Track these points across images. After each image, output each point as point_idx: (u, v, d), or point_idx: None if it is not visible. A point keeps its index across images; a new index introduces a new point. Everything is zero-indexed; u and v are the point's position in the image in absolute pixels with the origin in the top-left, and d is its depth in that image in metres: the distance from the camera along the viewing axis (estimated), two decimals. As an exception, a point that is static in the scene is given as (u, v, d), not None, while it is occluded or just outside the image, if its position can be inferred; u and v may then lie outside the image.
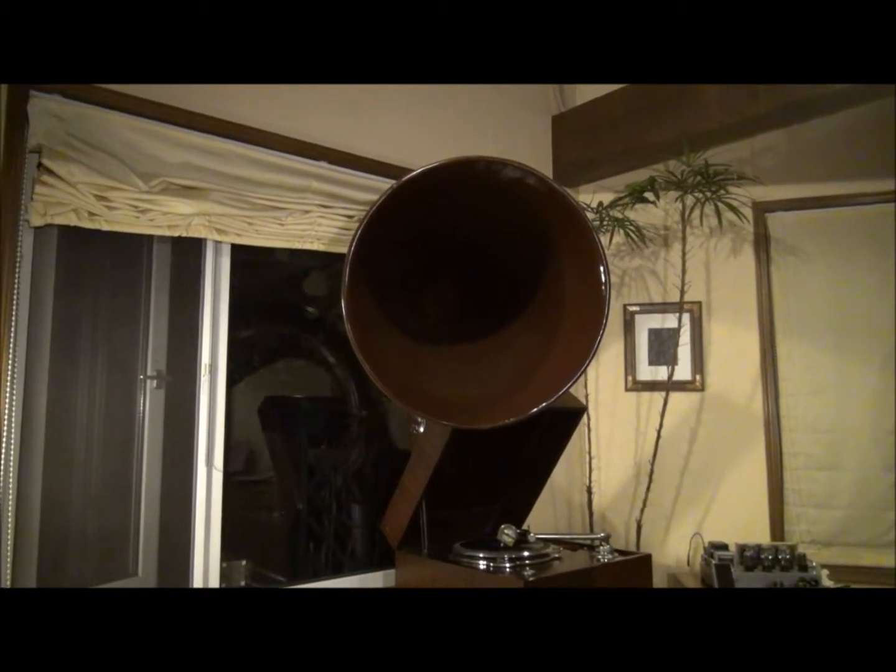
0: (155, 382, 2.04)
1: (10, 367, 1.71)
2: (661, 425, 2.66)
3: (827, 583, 2.32)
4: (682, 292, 2.69)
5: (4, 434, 1.69)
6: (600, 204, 2.91)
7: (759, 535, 2.72)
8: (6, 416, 1.70)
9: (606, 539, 2.06)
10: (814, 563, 2.34)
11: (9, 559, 1.68)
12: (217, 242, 2.13)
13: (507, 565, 1.89)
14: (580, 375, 1.83)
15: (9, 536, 1.69)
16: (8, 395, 1.70)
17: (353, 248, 1.70)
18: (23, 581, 1.73)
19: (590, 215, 2.40)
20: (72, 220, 1.79)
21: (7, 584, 1.67)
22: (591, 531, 2.87)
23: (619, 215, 2.88)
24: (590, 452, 2.96)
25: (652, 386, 2.98)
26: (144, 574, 1.97)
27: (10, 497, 1.70)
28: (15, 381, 1.73)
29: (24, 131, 1.76)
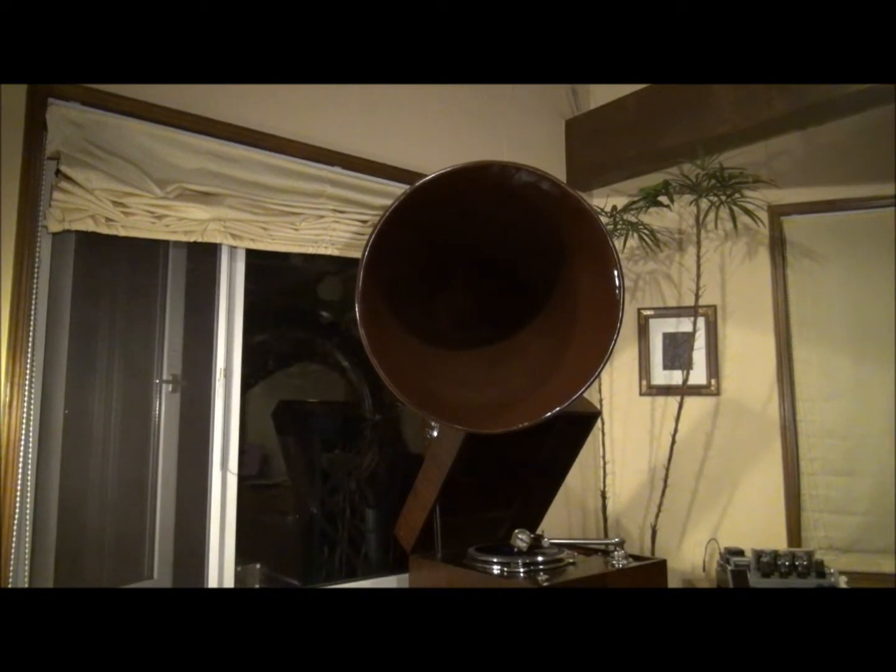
0: (170, 386, 2.06)
1: (28, 371, 1.72)
2: (675, 430, 2.64)
3: (845, 590, 2.29)
4: (697, 296, 2.67)
5: (23, 438, 1.71)
6: (614, 208, 2.91)
7: (776, 540, 2.69)
8: (24, 420, 1.71)
9: (621, 544, 2.04)
10: (832, 570, 2.31)
11: (27, 561, 1.70)
12: (232, 247, 2.15)
13: (521, 570, 1.88)
14: (594, 380, 1.82)
15: (27, 539, 1.70)
16: (26, 398, 1.72)
17: (367, 253, 1.70)
18: (40, 583, 1.75)
19: (603, 219, 2.39)
20: (89, 226, 1.81)
21: (25, 585, 1.69)
22: (606, 536, 2.85)
23: (633, 219, 2.87)
24: (604, 457, 2.94)
25: (666, 390, 2.96)
26: (160, 577, 1.98)
27: (28, 500, 1.72)
28: (33, 385, 1.75)
29: (42, 138, 1.78)
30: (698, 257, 2.70)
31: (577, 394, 1.80)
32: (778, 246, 2.86)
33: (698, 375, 2.89)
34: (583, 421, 2.23)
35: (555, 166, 3.09)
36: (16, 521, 1.67)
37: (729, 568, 2.37)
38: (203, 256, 2.13)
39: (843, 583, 2.30)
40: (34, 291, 1.75)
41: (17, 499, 1.68)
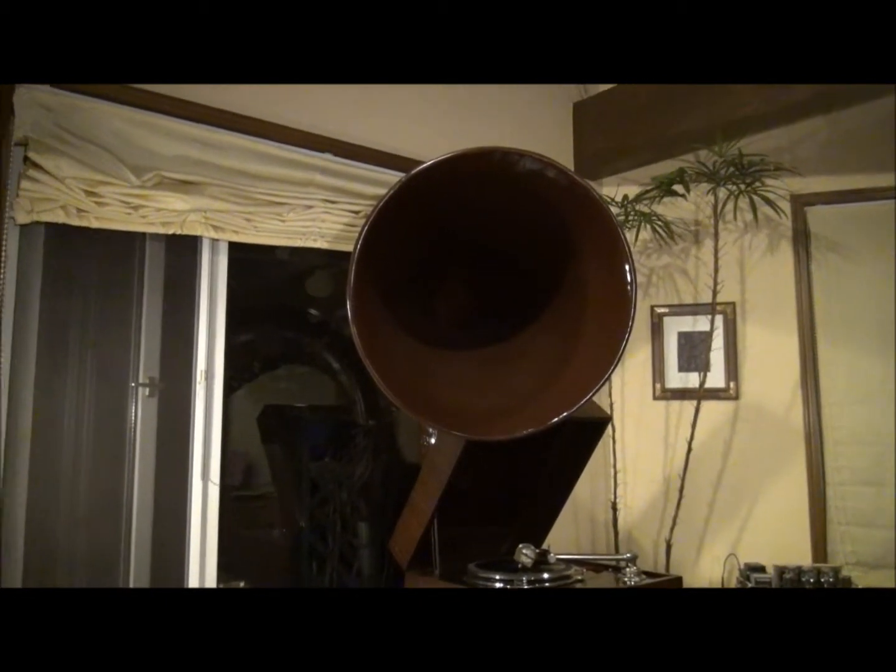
0: (147, 390, 2.05)
1: (-7, 374, 1.72)
2: (692, 437, 2.64)
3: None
4: (715, 292, 2.68)
5: (-12, 445, 1.70)
6: (625, 197, 2.91)
7: (800, 556, 2.68)
8: (-11, 427, 1.71)
9: (633, 560, 2.05)
10: (860, 587, 2.31)
11: (-8, 579, 1.69)
12: (213, 240, 2.14)
13: (526, 588, 1.88)
14: (604, 383, 1.82)
15: (-8, 555, 1.70)
16: (-9, 403, 1.72)
17: (359, 246, 1.70)
18: (7, 603, 1.74)
19: (614, 210, 2.39)
20: (59, 217, 1.81)
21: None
22: (617, 551, 2.85)
23: (646, 210, 2.87)
24: (615, 466, 2.95)
25: (682, 394, 2.96)
26: (136, 596, 1.98)
27: (-6, 513, 1.71)
28: (-1, 389, 1.75)
29: (9, 123, 1.77)
30: (716, 251, 2.70)
31: (586, 398, 1.80)
32: (801, 238, 2.86)
33: (716, 378, 2.89)
34: (592, 427, 2.23)
35: (562, 153, 3.09)
36: (-20, 536, 1.67)
37: (749, 585, 2.37)
38: (182, 250, 2.12)
39: (872, 601, 2.30)
40: (0, 288, 1.74)
41: (-18, 512, 1.68)
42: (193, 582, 2.04)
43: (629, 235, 2.80)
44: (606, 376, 1.81)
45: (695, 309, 2.99)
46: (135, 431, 2.03)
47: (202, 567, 2.06)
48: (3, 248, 1.76)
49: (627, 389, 3.08)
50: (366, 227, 1.70)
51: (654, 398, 3.03)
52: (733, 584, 2.62)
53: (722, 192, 2.70)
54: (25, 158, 1.79)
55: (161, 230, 1.97)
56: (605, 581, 2.03)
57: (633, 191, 2.95)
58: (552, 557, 2.03)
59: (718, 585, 2.75)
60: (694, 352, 2.98)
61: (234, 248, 2.19)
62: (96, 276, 2.02)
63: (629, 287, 1.81)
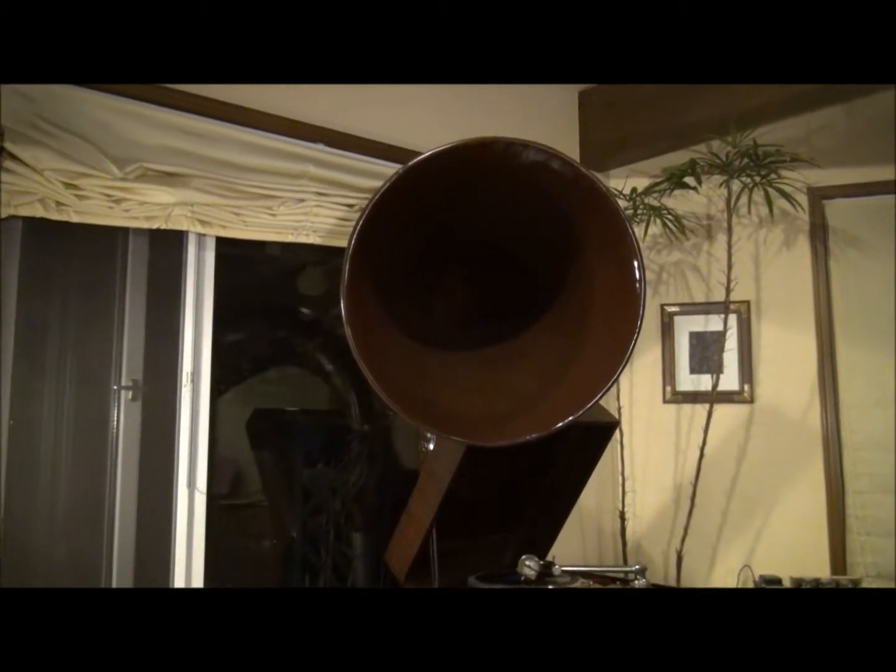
0: (130, 393, 2.05)
1: (-32, 377, 1.72)
2: (704, 442, 2.64)
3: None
4: (728, 290, 2.67)
5: (-38, 452, 1.70)
6: (634, 190, 2.90)
7: (818, 567, 2.68)
8: (-36, 432, 1.71)
9: (642, 572, 2.04)
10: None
11: (-34, 593, 1.69)
12: (200, 235, 2.14)
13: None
14: (612, 385, 1.81)
15: (-34, 567, 1.70)
16: (-35, 407, 1.71)
17: (353, 242, 1.70)
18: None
19: (622, 203, 2.39)
20: (38, 211, 1.81)
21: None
22: (625, 563, 2.85)
23: (656, 203, 2.87)
24: (623, 473, 2.95)
25: (694, 397, 2.96)
26: (119, 610, 1.97)
27: (-32, 523, 1.71)
28: (-27, 392, 1.74)
29: (-16, 112, 1.77)
30: (729, 246, 2.69)
31: (593, 401, 1.80)
32: (819, 233, 2.85)
33: (730, 380, 2.88)
34: (599, 431, 2.22)
35: (567, 143, 3.09)
36: (-47, 547, 1.66)
37: (764, 598, 2.36)
38: (167, 245, 2.12)
39: (893, 615, 2.29)
40: (-25, 286, 1.74)
41: (-44, 521, 1.67)
42: (179, 595, 2.04)
43: (638, 230, 2.80)
44: (614, 378, 1.80)
45: (707, 308, 2.98)
46: (117, 437, 2.02)
47: (188, 580, 2.06)
48: (-22, 243, 1.76)
49: (636, 392, 3.07)
50: (361, 221, 1.70)
51: (665, 401, 3.03)
52: (747, 596, 2.61)
53: (736, 185, 2.69)
54: (2, 149, 1.78)
55: (145, 224, 1.96)
56: (612, 594, 2.02)
57: (642, 183, 2.95)
58: (557, 569, 2.03)
59: (732, 598, 2.75)
60: (706, 353, 2.97)
61: (222, 243, 2.19)
62: (76, 273, 2.02)
63: (638, 284, 1.81)
